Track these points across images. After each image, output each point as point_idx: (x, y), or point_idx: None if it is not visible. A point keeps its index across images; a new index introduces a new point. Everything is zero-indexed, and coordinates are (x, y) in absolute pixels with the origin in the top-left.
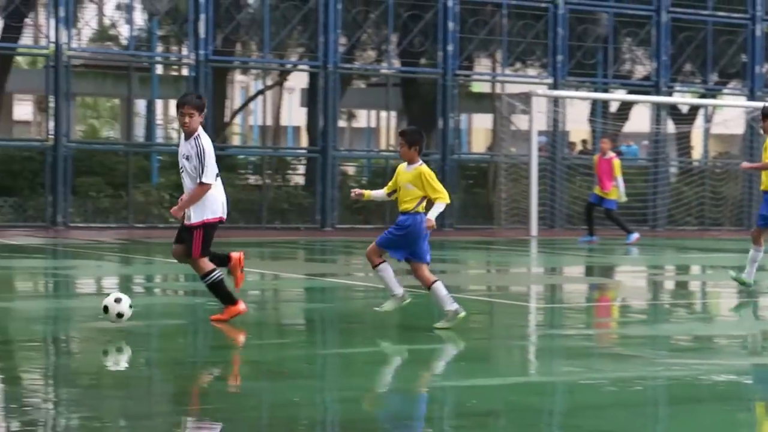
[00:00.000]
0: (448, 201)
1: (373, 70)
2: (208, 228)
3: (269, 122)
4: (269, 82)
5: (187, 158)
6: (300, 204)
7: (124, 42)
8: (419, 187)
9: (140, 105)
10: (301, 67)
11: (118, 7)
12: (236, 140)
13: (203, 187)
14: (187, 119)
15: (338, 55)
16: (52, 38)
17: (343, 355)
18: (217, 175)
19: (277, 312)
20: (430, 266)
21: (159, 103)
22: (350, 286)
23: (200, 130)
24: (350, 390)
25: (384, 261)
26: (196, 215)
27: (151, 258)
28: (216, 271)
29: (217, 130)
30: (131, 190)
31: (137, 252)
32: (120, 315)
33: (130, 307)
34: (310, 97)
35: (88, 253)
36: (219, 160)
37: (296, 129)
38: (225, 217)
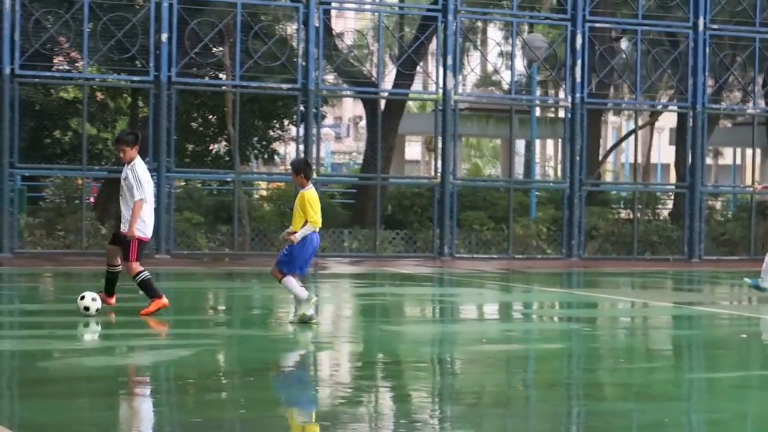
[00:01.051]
0: (317, 225)
1: (740, 110)
2: (142, 242)
3: (640, 160)
4: (640, 123)
5: (125, 179)
6: (668, 236)
7: (505, 87)
8: (302, 210)
9: (520, 145)
10: (670, 108)
11: (500, 54)
12: (609, 177)
13: (138, 203)
14: (121, 153)
15: (706, 96)
16: (441, 84)
17: (709, 380)
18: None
19: (646, 338)
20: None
21: (537, 143)
22: (716, 314)
23: (137, 159)
24: (717, 413)
25: (284, 275)
26: (131, 229)
27: (530, 287)
28: (144, 272)
29: (591, 167)
30: (511, 223)
31: (516, 281)
32: (87, 308)
33: (93, 300)
34: (678, 136)
35: (471, 281)
36: (593, 195)
37: (665, 166)
38: (150, 236)
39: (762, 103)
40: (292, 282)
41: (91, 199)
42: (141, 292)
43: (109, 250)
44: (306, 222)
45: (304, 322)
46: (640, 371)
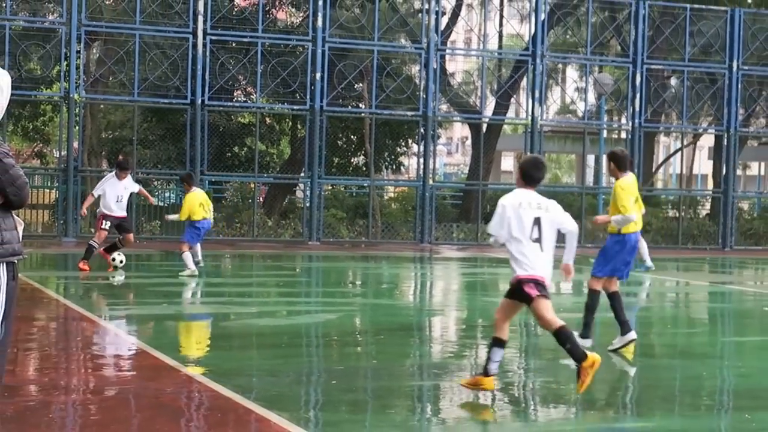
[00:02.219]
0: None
1: (764, 133)
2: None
3: (684, 171)
4: (685, 142)
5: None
6: (707, 231)
7: (580, 114)
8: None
9: (590, 159)
10: (709, 131)
11: (576, 89)
12: (659, 184)
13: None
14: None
15: (738, 122)
16: (530, 112)
17: (738, 342)
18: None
19: (687, 309)
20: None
21: (604, 158)
22: (744, 291)
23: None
24: (744, 368)
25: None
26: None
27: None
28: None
29: (647, 176)
30: (584, 220)
31: (587, 264)
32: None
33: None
34: (715, 153)
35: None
36: (647, 198)
37: (704, 176)
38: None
39: None
40: None
41: (261, 199)
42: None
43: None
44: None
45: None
46: (683, 335)
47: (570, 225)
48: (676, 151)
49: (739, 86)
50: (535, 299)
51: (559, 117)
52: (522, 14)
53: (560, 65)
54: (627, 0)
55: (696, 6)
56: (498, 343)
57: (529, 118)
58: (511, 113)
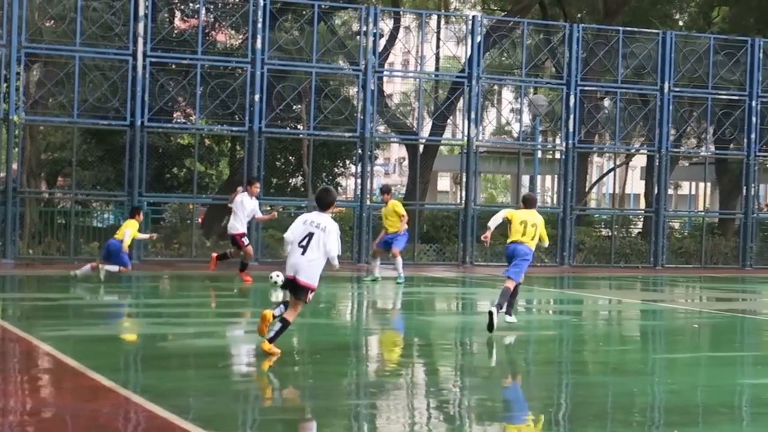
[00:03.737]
0: None
1: (695, 153)
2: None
3: (617, 191)
4: (618, 162)
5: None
6: (639, 249)
7: (515, 135)
8: None
9: (525, 179)
10: (641, 151)
11: (512, 110)
12: (593, 204)
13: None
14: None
15: (669, 142)
16: (466, 133)
17: (669, 359)
18: None
19: (620, 326)
20: None
21: (539, 178)
22: (675, 309)
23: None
24: (675, 384)
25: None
26: None
27: (531, 287)
28: None
29: (580, 196)
30: None
31: (523, 283)
32: (275, 282)
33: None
34: (647, 173)
35: (487, 283)
36: (581, 218)
37: (636, 195)
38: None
39: (712, 147)
40: None
41: (199, 220)
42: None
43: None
44: None
45: None
46: (615, 352)
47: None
48: (609, 171)
49: (671, 107)
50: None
51: (495, 138)
52: (458, 36)
53: (496, 87)
54: (561, 23)
55: (629, 29)
56: None
57: (465, 138)
58: (447, 134)
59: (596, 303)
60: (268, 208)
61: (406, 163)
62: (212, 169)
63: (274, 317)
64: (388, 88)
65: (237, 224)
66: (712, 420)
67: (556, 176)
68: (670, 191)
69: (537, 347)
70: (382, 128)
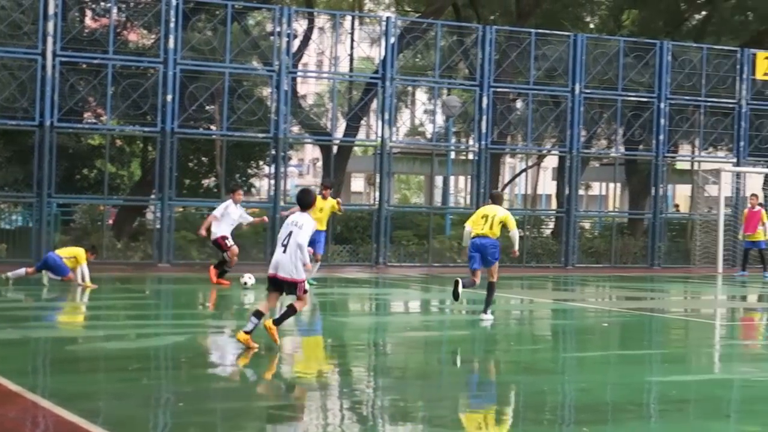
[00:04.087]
0: None
1: (605, 154)
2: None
3: (529, 191)
4: (530, 163)
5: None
6: (550, 249)
7: (428, 136)
8: None
9: (438, 180)
10: (553, 152)
11: (425, 111)
12: (506, 204)
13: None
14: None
15: (580, 143)
16: (379, 134)
17: (579, 358)
18: None
19: (531, 326)
20: None
21: (452, 179)
22: (585, 308)
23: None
24: (585, 383)
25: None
26: None
27: (444, 288)
28: None
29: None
30: (431, 239)
31: (434, 283)
32: (245, 284)
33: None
34: (559, 173)
35: (400, 284)
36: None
37: (548, 196)
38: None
39: (622, 148)
40: None
41: (110, 221)
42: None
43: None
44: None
45: None
46: (526, 351)
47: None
48: (521, 172)
49: (581, 109)
50: None
51: (409, 138)
52: (372, 38)
53: (410, 88)
54: (474, 24)
55: (540, 31)
56: None
57: (379, 139)
58: (361, 135)
59: (508, 303)
60: (181, 210)
61: (320, 164)
62: (123, 170)
63: (248, 332)
64: (302, 89)
65: (217, 229)
66: (620, 417)
67: (469, 177)
68: (581, 192)
69: (449, 347)
70: (295, 129)
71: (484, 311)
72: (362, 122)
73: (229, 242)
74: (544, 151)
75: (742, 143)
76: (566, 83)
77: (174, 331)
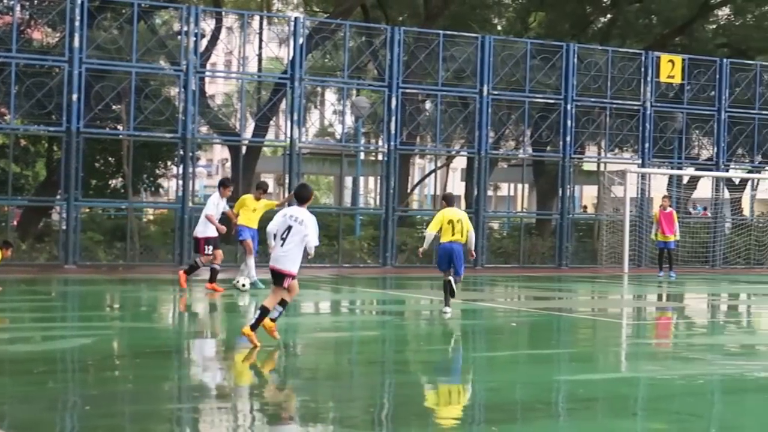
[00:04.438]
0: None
1: (513, 155)
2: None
3: (438, 192)
4: (439, 164)
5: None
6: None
7: (338, 136)
8: None
9: (348, 181)
10: (462, 153)
11: (334, 112)
12: (415, 205)
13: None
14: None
15: (488, 144)
16: (288, 134)
17: (488, 357)
18: None
19: (441, 326)
20: None
21: (362, 179)
22: (494, 308)
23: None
24: (494, 382)
25: None
26: None
27: (354, 288)
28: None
29: (402, 197)
30: (341, 240)
31: (344, 284)
32: (243, 285)
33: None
34: (467, 174)
35: (310, 285)
36: (403, 219)
37: (458, 197)
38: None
39: (530, 149)
40: None
41: (15, 223)
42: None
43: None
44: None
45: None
46: (437, 351)
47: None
48: (430, 173)
49: (490, 110)
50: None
51: (318, 139)
52: (281, 38)
53: (319, 88)
54: (383, 25)
55: (449, 32)
56: None
57: (288, 140)
58: (270, 135)
59: (418, 303)
60: (87, 210)
61: (229, 164)
62: (28, 170)
63: (273, 320)
64: (210, 89)
65: (205, 228)
66: (529, 416)
67: (378, 177)
68: (490, 192)
69: (360, 348)
70: (204, 129)
71: (446, 304)
72: (271, 123)
73: (209, 249)
74: (453, 152)
75: (647, 145)
76: (474, 85)
77: (80, 334)
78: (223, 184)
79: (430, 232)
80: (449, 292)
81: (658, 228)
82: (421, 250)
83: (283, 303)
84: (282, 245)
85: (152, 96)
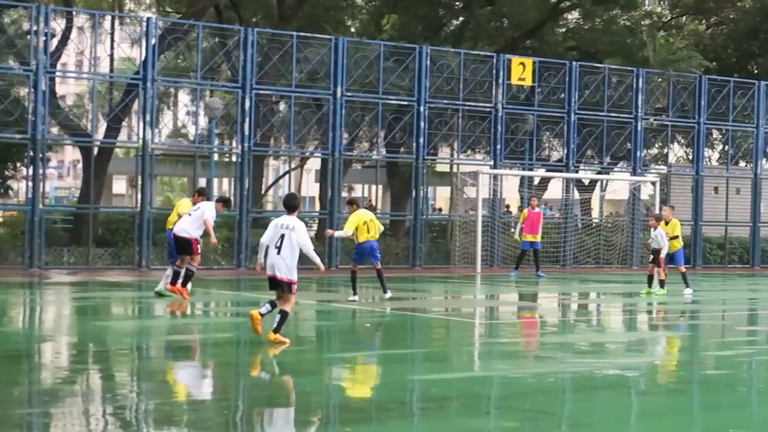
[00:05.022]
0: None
1: (367, 156)
2: None
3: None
4: (293, 165)
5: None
6: (315, 251)
7: (191, 137)
8: None
9: (202, 182)
10: (316, 154)
11: (188, 113)
12: (269, 206)
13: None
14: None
15: (342, 146)
16: (141, 135)
17: (342, 358)
18: None
19: (296, 327)
20: None
21: (216, 181)
22: (348, 309)
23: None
24: (348, 382)
25: None
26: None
27: (209, 290)
28: None
29: (256, 199)
30: None
31: (199, 285)
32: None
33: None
34: (321, 176)
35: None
36: (257, 220)
37: (312, 198)
38: None
39: (383, 151)
40: None
41: None
42: None
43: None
44: None
45: None
46: (291, 352)
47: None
48: (284, 174)
49: (343, 111)
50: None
51: (171, 140)
52: (133, 38)
53: (172, 89)
54: (236, 26)
55: (302, 34)
56: None
57: (141, 141)
58: (123, 136)
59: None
60: (8, 215)
61: (80, 165)
62: None
63: (262, 315)
64: (61, 89)
65: (192, 229)
66: (383, 416)
67: (232, 179)
68: (344, 194)
69: (214, 350)
70: (54, 130)
71: (385, 291)
72: (123, 123)
73: (199, 249)
74: (307, 154)
75: (498, 146)
76: (328, 86)
77: None
78: (224, 202)
79: (348, 230)
80: (354, 280)
81: (524, 227)
82: (333, 233)
83: (283, 314)
84: (278, 253)
85: (1, 96)
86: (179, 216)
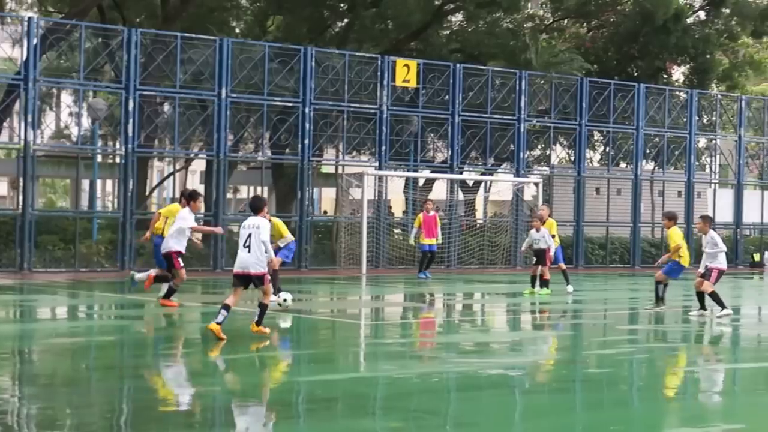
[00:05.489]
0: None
1: (252, 158)
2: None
3: (177, 195)
4: (178, 167)
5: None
6: (199, 252)
7: (74, 138)
8: None
9: (85, 184)
10: (200, 156)
11: (70, 114)
12: (154, 207)
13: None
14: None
15: (227, 147)
16: (23, 137)
17: (227, 360)
18: None
19: (182, 329)
20: None
21: (99, 183)
22: (234, 310)
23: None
24: (234, 384)
25: None
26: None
27: (92, 293)
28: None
29: (140, 200)
30: (78, 244)
31: (82, 288)
32: (285, 300)
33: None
34: (207, 177)
35: (47, 290)
36: (141, 222)
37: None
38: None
39: (269, 152)
40: None
41: None
42: None
43: None
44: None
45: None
46: (175, 355)
47: None
48: (169, 175)
49: (228, 113)
50: None
51: (54, 141)
52: (14, 38)
53: (54, 90)
54: (120, 26)
55: (187, 35)
56: None
57: (22, 142)
58: (3, 138)
59: (157, 306)
60: None
61: None
62: None
63: (219, 324)
64: None
65: (175, 243)
66: (269, 418)
67: (116, 180)
68: (229, 195)
69: (98, 353)
70: None
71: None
72: (4, 125)
73: (182, 262)
74: (192, 155)
75: (383, 148)
76: (213, 87)
77: None
78: (193, 198)
79: (289, 236)
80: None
81: (420, 231)
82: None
83: (262, 306)
84: (248, 252)
85: None
86: (165, 221)
